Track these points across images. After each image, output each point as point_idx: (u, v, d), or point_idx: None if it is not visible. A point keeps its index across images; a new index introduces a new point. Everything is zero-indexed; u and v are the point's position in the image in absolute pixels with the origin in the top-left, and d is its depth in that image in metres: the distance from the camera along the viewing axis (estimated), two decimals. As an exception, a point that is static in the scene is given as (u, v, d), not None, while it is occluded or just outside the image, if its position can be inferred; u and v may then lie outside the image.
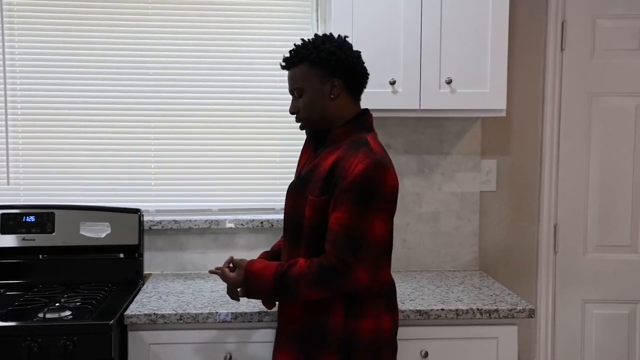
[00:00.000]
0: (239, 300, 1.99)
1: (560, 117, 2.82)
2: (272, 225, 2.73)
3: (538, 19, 2.80)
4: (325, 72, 1.87)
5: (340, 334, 1.82)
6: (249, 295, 1.92)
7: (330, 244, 1.77)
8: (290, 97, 1.97)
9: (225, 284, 1.97)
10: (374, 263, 1.82)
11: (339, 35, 1.94)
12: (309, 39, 1.92)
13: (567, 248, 2.86)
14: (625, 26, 2.77)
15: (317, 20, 2.75)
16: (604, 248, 2.85)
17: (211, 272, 2.02)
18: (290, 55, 1.92)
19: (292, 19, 2.79)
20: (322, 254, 1.78)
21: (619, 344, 2.86)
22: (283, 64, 1.94)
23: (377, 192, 1.77)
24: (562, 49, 2.79)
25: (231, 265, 1.97)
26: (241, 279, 1.89)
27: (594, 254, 2.86)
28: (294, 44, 1.93)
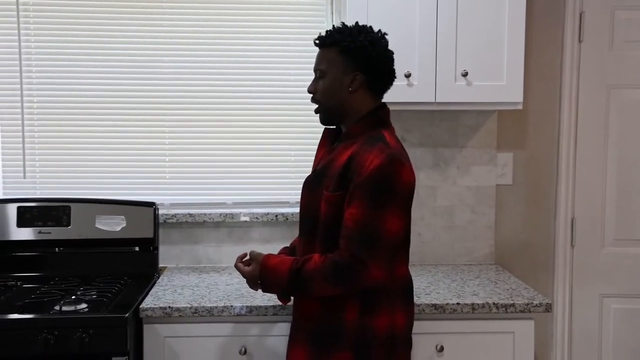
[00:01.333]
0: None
1: (578, 110, 2.79)
2: (287, 219, 2.72)
3: (556, 11, 2.76)
4: (351, 63, 1.85)
5: (355, 331, 1.81)
6: (265, 289, 1.91)
7: (345, 240, 1.76)
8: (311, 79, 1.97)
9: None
10: (388, 260, 1.80)
11: (379, 30, 1.91)
12: (347, 25, 1.90)
13: (584, 242, 2.83)
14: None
15: (332, 14, 2.73)
16: (622, 242, 2.82)
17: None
18: (325, 35, 1.90)
19: (307, 11, 2.77)
20: (337, 250, 1.77)
21: (637, 339, 2.83)
22: (317, 41, 1.92)
23: (392, 187, 1.75)
24: (580, 41, 2.76)
25: (246, 259, 1.97)
26: (256, 273, 1.88)
27: (611, 248, 2.82)
28: (332, 25, 1.93)
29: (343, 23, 1.93)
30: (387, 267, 1.80)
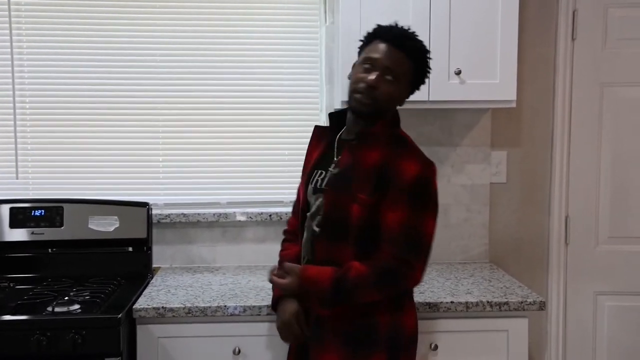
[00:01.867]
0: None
1: (572, 108, 2.79)
2: (281, 218, 2.71)
3: (549, 9, 2.76)
4: (414, 79, 1.92)
5: (389, 331, 1.85)
6: (304, 301, 1.88)
7: (390, 244, 1.79)
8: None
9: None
10: (427, 262, 1.86)
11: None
12: (415, 33, 1.93)
13: (578, 240, 2.83)
14: (637, 15, 2.73)
15: (326, 12, 2.72)
16: (616, 240, 2.82)
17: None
18: (407, 38, 1.90)
19: (301, 10, 2.77)
20: (379, 255, 1.79)
21: (631, 336, 2.84)
22: (396, 40, 1.87)
23: (431, 193, 1.84)
24: (573, 39, 2.76)
25: (278, 271, 1.91)
26: (295, 286, 1.85)
27: (605, 246, 2.83)
28: (412, 31, 1.93)
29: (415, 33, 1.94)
30: (425, 268, 1.86)
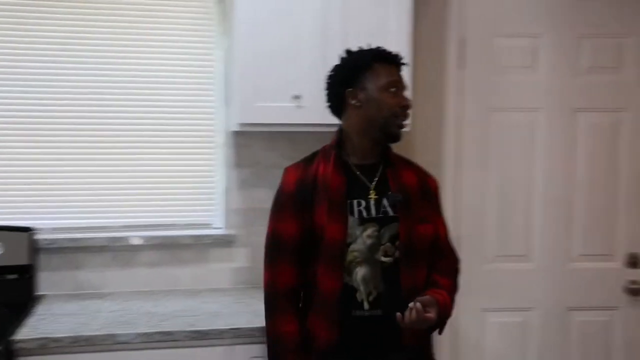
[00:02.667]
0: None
1: (462, 133, 2.90)
2: (174, 242, 2.65)
3: (439, 37, 2.85)
4: None
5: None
6: (443, 326, 1.95)
7: (450, 249, 2.06)
8: None
9: None
10: None
11: None
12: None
13: (468, 258, 2.91)
14: (522, 45, 2.88)
15: (222, 36, 2.70)
16: (502, 258, 2.94)
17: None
18: (401, 58, 1.99)
19: (197, 32, 2.73)
20: (445, 262, 2.02)
21: (514, 351, 2.96)
22: (398, 60, 1.98)
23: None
24: (461, 67, 2.87)
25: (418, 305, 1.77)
26: (435, 317, 1.82)
27: (492, 264, 2.94)
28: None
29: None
30: None
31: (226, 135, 2.73)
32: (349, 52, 2.00)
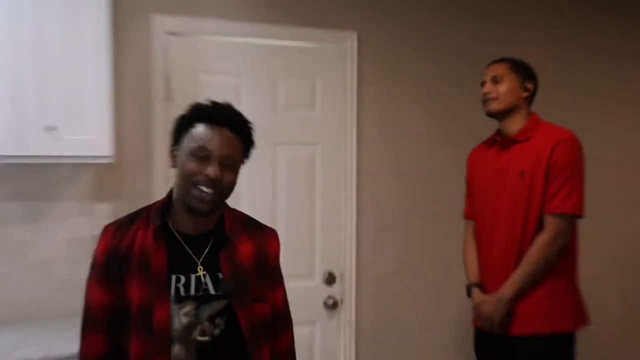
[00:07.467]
0: None
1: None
2: None
3: (144, 72, 2.93)
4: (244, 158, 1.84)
5: None
6: None
7: (287, 323, 2.00)
8: None
9: None
10: None
11: None
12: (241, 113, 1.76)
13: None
14: (223, 82, 3.06)
15: None
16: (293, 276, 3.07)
17: None
18: (236, 116, 1.72)
19: None
20: (288, 337, 1.99)
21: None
22: (227, 121, 1.68)
23: None
24: (168, 100, 2.97)
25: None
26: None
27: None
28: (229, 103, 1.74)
29: None
30: None
31: None
32: (195, 103, 1.73)
